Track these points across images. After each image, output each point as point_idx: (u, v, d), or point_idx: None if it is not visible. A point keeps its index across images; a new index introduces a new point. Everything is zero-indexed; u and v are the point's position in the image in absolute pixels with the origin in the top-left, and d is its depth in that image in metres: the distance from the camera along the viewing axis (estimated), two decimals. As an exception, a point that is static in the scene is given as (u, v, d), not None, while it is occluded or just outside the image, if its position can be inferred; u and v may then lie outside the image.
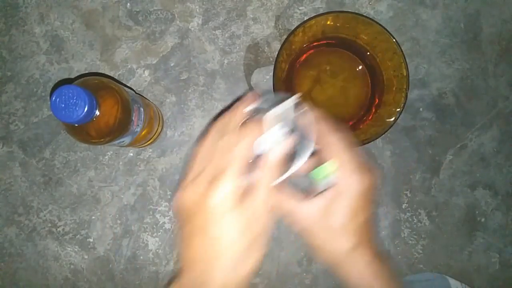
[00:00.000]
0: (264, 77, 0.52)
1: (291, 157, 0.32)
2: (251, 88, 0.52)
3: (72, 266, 0.51)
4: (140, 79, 0.52)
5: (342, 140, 0.32)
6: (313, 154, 0.33)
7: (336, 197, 0.31)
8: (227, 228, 0.27)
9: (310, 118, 0.32)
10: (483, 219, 0.52)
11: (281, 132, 0.31)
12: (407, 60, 0.45)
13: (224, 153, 0.28)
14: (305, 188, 0.35)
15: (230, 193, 0.27)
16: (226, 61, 0.52)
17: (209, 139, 0.31)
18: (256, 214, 0.28)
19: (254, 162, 0.30)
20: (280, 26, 0.53)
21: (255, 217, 0.28)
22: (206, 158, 0.30)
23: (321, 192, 0.32)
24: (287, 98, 0.31)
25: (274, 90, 0.45)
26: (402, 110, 0.45)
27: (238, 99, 0.51)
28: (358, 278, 0.32)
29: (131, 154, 0.52)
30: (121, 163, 0.51)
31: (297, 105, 0.32)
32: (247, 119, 0.32)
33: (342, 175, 0.31)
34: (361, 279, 0.32)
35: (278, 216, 0.33)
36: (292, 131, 0.32)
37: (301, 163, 0.32)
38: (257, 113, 0.32)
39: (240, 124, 0.31)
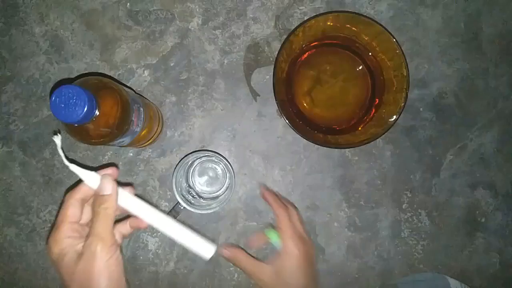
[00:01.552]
0: (264, 77, 0.52)
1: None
2: (251, 88, 0.52)
3: (72, 266, 0.51)
4: (140, 79, 0.52)
5: (286, 216, 0.42)
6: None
7: (282, 259, 0.41)
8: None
9: (271, 197, 0.45)
10: (483, 219, 0.52)
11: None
12: (407, 60, 0.45)
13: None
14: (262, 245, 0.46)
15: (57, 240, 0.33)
16: (226, 61, 0.52)
17: None
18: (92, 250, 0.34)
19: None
20: (280, 26, 0.53)
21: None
22: None
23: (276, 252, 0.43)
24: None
25: (274, 90, 0.45)
26: (402, 110, 0.45)
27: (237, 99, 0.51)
28: None
29: (131, 154, 0.52)
30: (121, 163, 0.51)
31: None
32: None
33: (283, 241, 0.41)
34: None
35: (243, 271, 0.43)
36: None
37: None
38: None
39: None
